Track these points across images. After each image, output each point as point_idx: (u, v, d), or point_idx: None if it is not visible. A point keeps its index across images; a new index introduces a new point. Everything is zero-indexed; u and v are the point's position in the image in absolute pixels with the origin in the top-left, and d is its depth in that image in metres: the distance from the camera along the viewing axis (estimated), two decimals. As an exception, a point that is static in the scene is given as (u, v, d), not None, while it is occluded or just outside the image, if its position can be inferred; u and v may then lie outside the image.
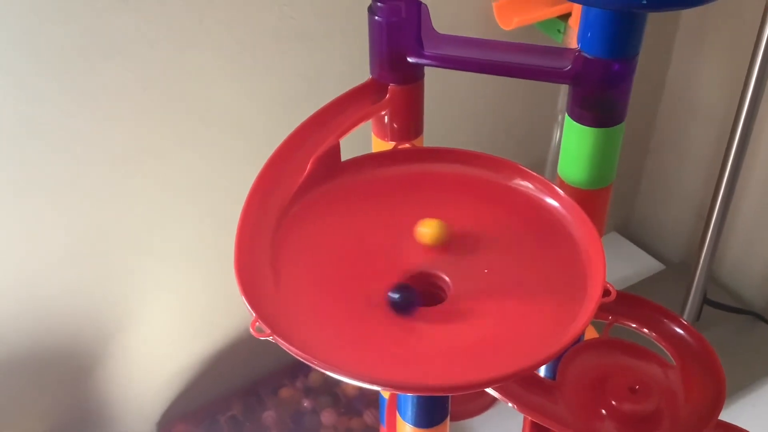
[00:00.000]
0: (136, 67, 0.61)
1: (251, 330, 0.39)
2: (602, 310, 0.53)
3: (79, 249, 0.68)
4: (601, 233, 0.50)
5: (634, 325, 0.52)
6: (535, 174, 0.46)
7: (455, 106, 0.79)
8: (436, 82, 0.69)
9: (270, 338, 0.38)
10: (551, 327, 0.39)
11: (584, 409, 0.47)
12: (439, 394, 0.44)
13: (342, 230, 0.45)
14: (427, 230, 0.43)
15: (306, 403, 0.84)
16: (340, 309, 0.42)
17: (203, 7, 0.61)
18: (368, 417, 0.83)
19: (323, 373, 0.89)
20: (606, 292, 0.40)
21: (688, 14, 0.95)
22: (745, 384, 0.90)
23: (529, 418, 0.45)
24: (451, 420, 0.87)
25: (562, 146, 0.47)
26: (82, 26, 0.57)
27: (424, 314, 0.41)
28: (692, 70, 0.97)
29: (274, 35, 0.65)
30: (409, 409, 0.49)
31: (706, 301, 0.95)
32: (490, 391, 0.45)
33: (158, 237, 0.71)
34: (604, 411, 0.47)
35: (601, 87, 0.43)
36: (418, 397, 0.48)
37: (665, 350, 0.51)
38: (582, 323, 0.38)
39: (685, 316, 0.95)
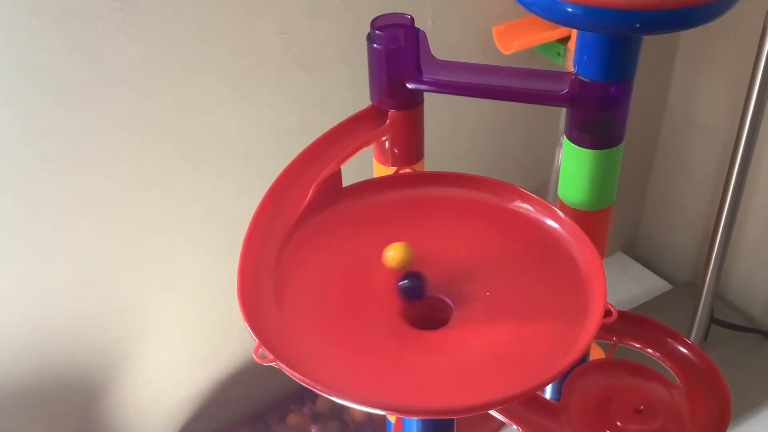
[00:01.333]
0: (141, 96, 0.62)
1: (255, 356, 0.39)
2: (606, 330, 0.53)
3: (86, 279, 0.68)
4: (602, 254, 0.50)
5: (638, 345, 0.52)
6: (535, 196, 0.46)
7: (459, 131, 0.80)
8: (439, 107, 0.70)
9: (273, 364, 0.39)
10: (554, 348, 0.39)
11: (589, 430, 0.46)
12: (442, 417, 0.44)
13: (344, 255, 0.46)
14: (392, 253, 0.43)
15: (314, 430, 0.84)
16: (344, 334, 0.42)
17: (207, 37, 0.62)
18: (376, 443, 0.83)
19: (330, 399, 0.89)
20: (607, 313, 0.40)
21: (687, 34, 0.95)
22: (755, 403, 0.89)
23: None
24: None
25: (561, 168, 0.47)
26: (88, 57, 0.58)
27: (427, 337, 0.42)
28: (693, 89, 0.97)
29: (277, 64, 0.66)
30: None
31: (713, 320, 0.94)
32: (494, 413, 0.45)
33: (164, 265, 0.72)
34: (610, 432, 0.47)
35: (598, 109, 0.44)
36: (424, 421, 0.48)
37: (670, 370, 0.51)
38: (584, 344, 0.38)
39: (692, 336, 0.95)
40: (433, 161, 0.55)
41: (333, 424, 0.84)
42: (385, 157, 0.51)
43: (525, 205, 0.47)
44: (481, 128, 0.82)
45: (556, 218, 0.45)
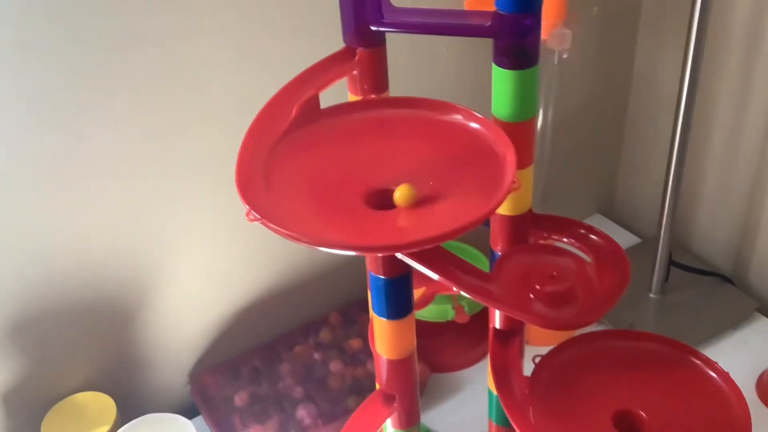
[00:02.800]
0: (165, 57, 0.76)
1: (246, 217, 0.52)
2: (536, 228, 0.66)
3: (122, 213, 0.82)
4: (529, 161, 0.62)
5: (557, 237, 0.65)
6: (466, 108, 0.59)
7: (421, 72, 0.93)
8: (407, 48, 0.83)
9: (259, 222, 0.51)
10: (480, 206, 0.52)
11: (516, 293, 0.59)
12: (392, 252, 0.56)
13: (322, 156, 0.59)
14: (399, 193, 0.54)
15: (317, 356, 0.97)
16: (317, 209, 0.55)
17: (219, 6, 0.76)
18: (370, 365, 0.95)
19: (333, 332, 1.02)
20: (514, 186, 0.53)
21: (648, 7, 1.07)
22: (710, 336, 1.00)
23: (473, 298, 0.58)
24: (447, 371, 0.99)
25: (492, 89, 0.60)
26: (119, 23, 0.72)
27: (384, 213, 0.54)
28: (656, 60, 1.09)
29: (275, 29, 0.80)
30: (382, 304, 0.62)
31: (674, 263, 1.06)
32: (436, 276, 0.57)
33: (185, 205, 0.85)
34: (532, 295, 0.59)
35: (515, 37, 0.56)
36: (387, 292, 0.61)
37: (584, 253, 0.63)
38: (499, 199, 0.51)
39: (654, 279, 1.06)
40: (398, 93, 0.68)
41: (333, 352, 0.97)
42: (356, 88, 0.64)
43: (459, 116, 0.60)
44: (437, 68, 0.95)
45: (482, 123, 0.58)
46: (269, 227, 0.51)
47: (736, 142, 1.03)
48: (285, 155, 0.58)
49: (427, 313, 0.95)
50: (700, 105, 0.93)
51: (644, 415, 0.67)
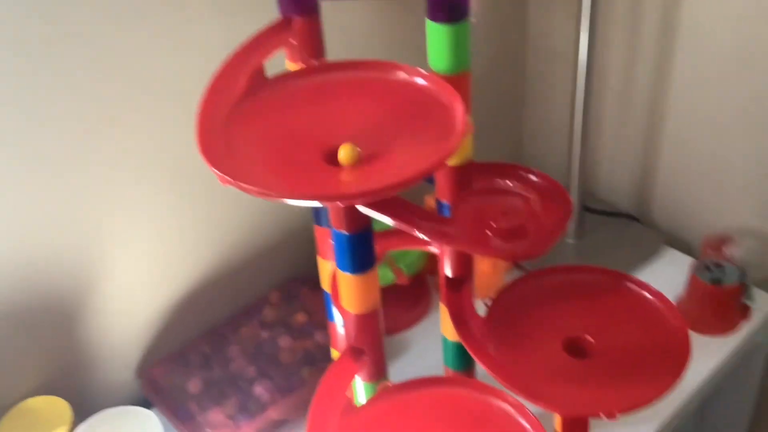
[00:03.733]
0: (92, 47, 0.75)
1: (220, 182, 0.53)
2: (481, 174, 0.70)
3: (56, 210, 0.80)
4: (468, 111, 0.66)
5: (501, 181, 0.69)
6: (407, 66, 0.62)
7: (355, 37, 0.97)
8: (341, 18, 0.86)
9: (232, 186, 0.53)
10: (436, 151, 0.55)
11: (473, 232, 0.63)
12: (352, 201, 0.58)
13: (277, 121, 0.60)
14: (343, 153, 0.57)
15: (264, 335, 0.98)
16: (281, 167, 0.57)
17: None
18: (319, 337, 0.97)
19: (276, 309, 1.03)
20: (468, 129, 0.56)
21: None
22: (628, 272, 1.07)
23: (434, 241, 0.61)
24: (393, 333, 1.02)
25: (428, 44, 0.63)
26: (44, 15, 0.71)
27: (342, 170, 0.57)
28: (548, 21, 1.16)
29: (207, 17, 0.81)
30: (347, 259, 0.64)
31: (586, 209, 1.13)
32: (397, 224, 0.60)
33: (125, 196, 0.85)
34: (489, 232, 0.63)
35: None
36: (351, 247, 0.63)
37: (526, 192, 0.68)
38: (456, 142, 0.54)
39: (570, 225, 1.13)
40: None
41: (280, 329, 0.98)
42: (295, 57, 0.66)
43: (402, 73, 0.63)
44: (372, 32, 0.98)
45: (425, 77, 0.62)
46: (242, 188, 0.53)
47: (630, 89, 1.11)
48: (241, 123, 0.60)
49: (367, 280, 0.98)
50: (594, 55, 1.00)
51: (591, 339, 0.73)
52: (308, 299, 1.02)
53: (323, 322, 0.99)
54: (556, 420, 0.74)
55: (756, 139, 1.01)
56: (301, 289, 1.04)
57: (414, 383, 0.70)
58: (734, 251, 1.00)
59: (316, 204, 0.54)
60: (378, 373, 0.72)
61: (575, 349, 0.73)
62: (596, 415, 0.66)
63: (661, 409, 0.90)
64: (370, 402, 0.69)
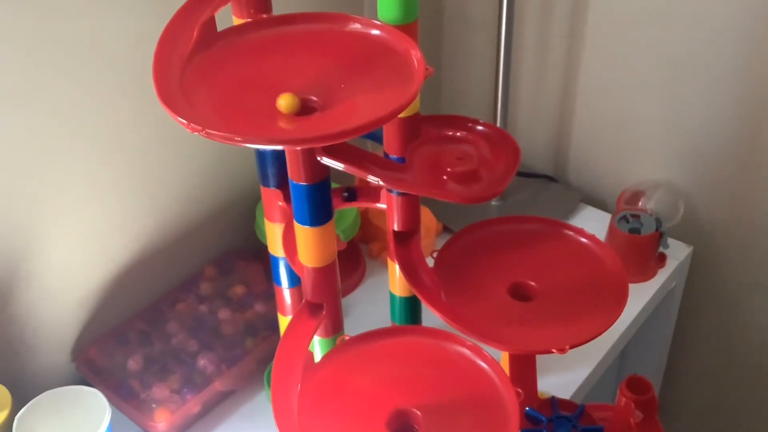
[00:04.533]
0: (24, 7, 0.72)
1: (187, 130, 0.53)
2: (432, 126, 0.72)
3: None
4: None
5: (450, 132, 0.71)
6: (357, 17, 0.63)
7: None
8: None
9: (202, 133, 0.52)
10: (396, 97, 0.56)
11: (430, 177, 0.64)
12: (316, 144, 0.58)
13: (230, 72, 0.60)
14: (283, 102, 0.57)
15: (203, 308, 0.96)
16: (242, 116, 0.57)
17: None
18: (259, 307, 0.97)
19: (213, 283, 1.02)
20: (428, 71, 0.58)
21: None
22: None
23: (394, 188, 0.62)
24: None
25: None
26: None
27: (302, 119, 0.57)
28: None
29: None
30: (306, 212, 0.65)
31: (508, 171, 1.17)
32: (349, 170, 0.61)
33: (55, 168, 0.81)
34: (445, 177, 0.65)
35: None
36: (311, 198, 0.64)
37: (476, 141, 0.70)
38: (416, 86, 0.56)
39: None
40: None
41: (218, 302, 0.97)
42: (242, 12, 0.66)
43: (355, 25, 0.64)
44: None
45: (378, 27, 0.63)
46: (211, 135, 0.52)
47: (543, 55, 1.16)
48: (196, 76, 0.59)
49: (305, 247, 0.98)
50: (512, 23, 1.04)
51: (534, 283, 0.76)
52: (245, 271, 1.01)
53: (262, 293, 0.99)
54: (503, 360, 0.77)
55: (663, 96, 1.07)
56: (237, 261, 1.03)
57: (372, 334, 0.71)
58: (649, 203, 1.07)
59: (279, 148, 0.54)
60: (336, 328, 0.73)
61: (520, 293, 0.76)
62: (548, 351, 0.69)
63: (592, 352, 0.96)
64: (330, 355, 0.70)
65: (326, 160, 0.62)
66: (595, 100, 1.14)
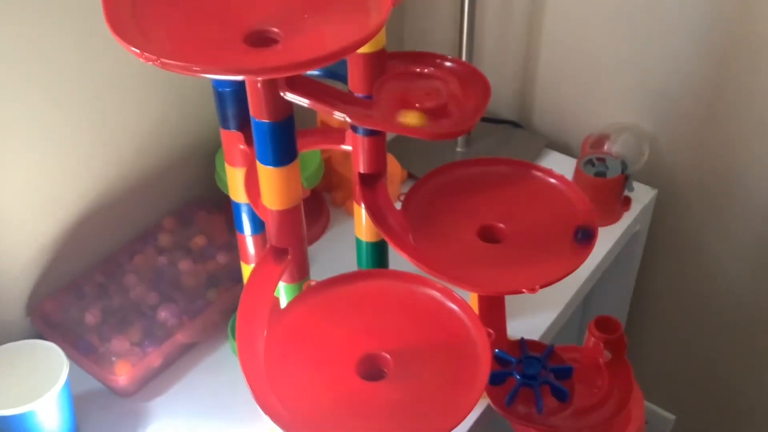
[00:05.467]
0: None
1: (141, 59, 0.50)
2: (400, 62, 0.69)
3: None
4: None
5: (418, 69, 0.69)
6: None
7: None
8: None
9: (157, 64, 0.49)
10: (360, 31, 0.54)
11: (398, 113, 0.62)
12: (278, 73, 0.56)
13: (188, 2, 0.57)
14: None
15: (162, 260, 0.93)
16: (199, 46, 0.53)
17: None
18: (221, 258, 0.94)
19: (172, 235, 0.99)
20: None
21: None
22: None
23: (360, 124, 0.60)
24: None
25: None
26: None
27: (260, 51, 0.54)
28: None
29: None
30: (269, 151, 0.62)
31: (473, 117, 1.15)
32: (314, 105, 0.59)
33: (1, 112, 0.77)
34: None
35: None
36: (274, 136, 0.61)
37: (444, 77, 0.68)
38: (385, 13, 0.53)
39: (460, 133, 1.15)
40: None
41: (179, 253, 0.94)
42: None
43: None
44: None
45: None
46: (166, 65, 0.49)
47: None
48: (151, 6, 0.55)
49: (267, 196, 0.96)
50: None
51: (503, 226, 0.75)
52: (206, 222, 0.99)
53: (224, 243, 0.96)
54: (472, 303, 0.76)
55: (627, 38, 1.06)
56: (197, 212, 1.00)
57: (339, 279, 0.69)
58: (614, 147, 1.06)
59: (238, 78, 0.51)
60: (302, 274, 0.71)
61: (489, 236, 0.75)
62: (519, 291, 0.68)
63: (558, 296, 0.95)
64: (296, 300, 0.68)
65: (290, 96, 0.59)
66: (560, 44, 1.12)
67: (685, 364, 1.29)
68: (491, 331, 0.64)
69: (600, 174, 1.02)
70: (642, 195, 1.09)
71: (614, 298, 1.20)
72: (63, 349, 0.84)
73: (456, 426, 0.58)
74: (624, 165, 1.03)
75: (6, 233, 0.83)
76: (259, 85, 0.58)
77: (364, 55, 0.67)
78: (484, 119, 1.19)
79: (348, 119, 0.60)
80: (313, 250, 1.00)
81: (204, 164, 1.01)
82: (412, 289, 0.69)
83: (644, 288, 1.24)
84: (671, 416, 1.36)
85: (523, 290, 0.68)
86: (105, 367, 0.82)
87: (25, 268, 0.86)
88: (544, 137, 1.18)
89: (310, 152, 1.00)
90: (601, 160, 1.04)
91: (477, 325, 0.65)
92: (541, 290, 0.94)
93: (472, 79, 0.67)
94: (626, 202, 1.06)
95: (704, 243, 1.15)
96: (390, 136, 1.16)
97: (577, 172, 1.04)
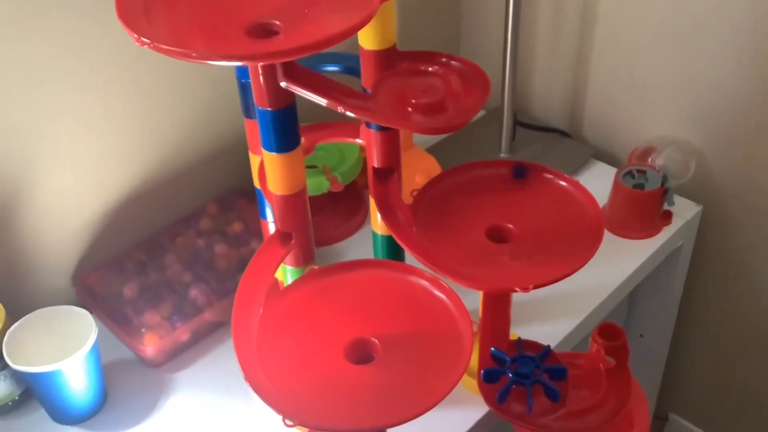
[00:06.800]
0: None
1: (137, 43, 0.54)
2: (403, 61, 0.72)
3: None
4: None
5: (423, 67, 0.71)
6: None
7: None
8: None
9: (148, 46, 0.54)
10: (357, 15, 0.57)
11: (394, 108, 0.64)
12: (273, 59, 0.59)
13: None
14: None
15: (200, 242, 0.99)
16: (202, 36, 0.58)
17: None
18: (255, 244, 0.99)
19: (213, 220, 1.04)
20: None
21: None
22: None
23: (355, 115, 0.63)
24: (329, 244, 1.04)
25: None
26: None
27: (266, 40, 0.58)
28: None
29: None
30: (272, 137, 0.66)
31: (519, 123, 1.16)
32: (314, 97, 0.62)
33: (56, 100, 0.84)
34: (409, 108, 0.65)
35: None
36: (275, 123, 0.65)
37: (448, 76, 0.70)
38: (372, 8, 0.56)
39: (503, 139, 1.16)
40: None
41: (216, 237, 1.00)
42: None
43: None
44: None
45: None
46: (161, 49, 0.54)
47: (560, 8, 1.14)
48: (159, 1, 0.60)
49: (302, 188, 1.00)
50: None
51: (512, 227, 0.76)
52: (245, 210, 1.04)
53: (259, 230, 1.00)
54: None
55: (678, 53, 1.04)
56: (238, 200, 1.05)
57: (340, 266, 0.72)
58: (657, 160, 1.04)
59: (234, 64, 0.55)
60: (305, 258, 0.74)
61: (497, 236, 0.76)
62: (512, 289, 0.69)
63: (581, 305, 0.95)
64: (296, 283, 0.71)
65: (287, 85, 0.62)
66: (611, 56, 1.11)
67: (732, 387, 1.25)
68: (475, 322, 0.65)
69: (638, 186, 1.01)
70: (685, 210, 1.07)
71: (657, 314, 1.18)
72: (101, 318, 0.90)
73: (425, 411, 0.60)
74: (665, 178, 1.01)
75: (57, 207, 0.90)
76: (260, 74, 0.62)
77: (374, 52, 0.69)
78: (532, 126, 1.19)
79: (343, 110, 0.63)
80: (349, 243, 1.05)
81: (248, 154, 1.06)
82: (404, 278, 0.71)
83: (690, 306, 1.21)
84: (717, 442, 1.31)
85: (516, 289, 0.69)
86: (135, 338, 0.88)
87: (72, 240, 0.93)
88: (590, 147, 1.17)
89: (349, 147, 1.03)
90: (642, 172, 1.02)
91: (463, 315, 0.66)
92: (566, 297, 0.94)
93: (474, 78, 0.69)
94: (666, 217, 1.04)
95: (751, 262, 1.11)
96: (432, 140, 1.19)
97: (615, 183, 1.03)
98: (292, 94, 0.64)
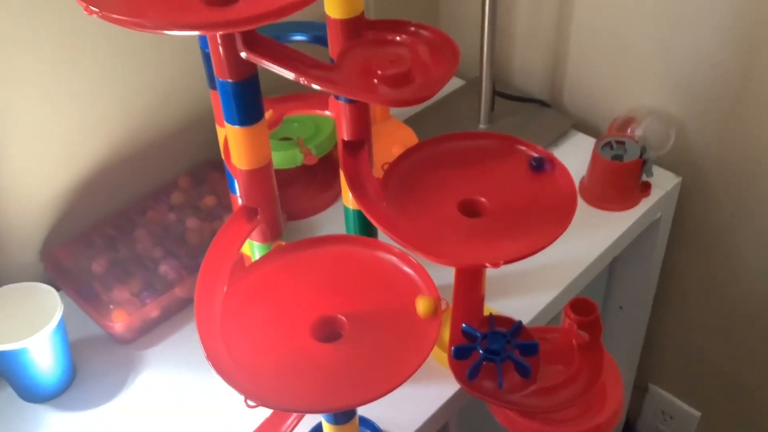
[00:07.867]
0: None
1: (85, 12, 0.52)
2: (371, 29, 0.69)
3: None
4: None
5: (390, 37, 0.69)
6: None
7: None
8: None
9: (97, 15, 0.51)
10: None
11: (360, 79, 0.62)
12: (221, 30, 0.57)
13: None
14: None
15: (171, 216, 0.97)
16: (157, 5, 0.55)
17: None
18: (227, 218, 0.97)
19: (185, 193, 1.01)
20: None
21: None
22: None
23: (318, 87, 0.61)
24: (302, 217, 1.02)
25: None
26: None
27: (225, 8, 0.56)
28: None
29: None
30: (234, 110, 0.63)
31: (498, 93, 1.14)
32: (277, 69, 0.60)
33: (18, 67, 0.82)
34: (375, 80, 0.63)
35: None
36: (237, 95, 0.63)
37: (417, 45, 0.68)
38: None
39: (482, 110, 1.14)
40: None
41: (187, 210, 0.98)
42: None
43: None
44: None
45: None
46: (111, 19, 0.51)
47: (541, -26, 1.11)
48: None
49: (276, 161, 0.98)
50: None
51: (484, 200, 0.74)
52: (218, 183, 1.02)
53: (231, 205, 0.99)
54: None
55: (658, 22, 1.02)
56: (211, 173, 1.03)
57: (307, 242, 0.70)
58: (637, 131, 1.03)
59: (192, 33, 0.53)
60: (273, 234, 0.73)
61: (469, 210, 0.74)
62: (482, 265, 0.68)
63: (558, 278, 0.93)
64: (262, 260, 0.69)
65: (247, 56, 0.60)
66: (592, 25, 1.09)
67: (710, 359, 1.25)
68: (447, 301, 0.64)
69: (617, 157, 1.00)
70: (664, 182, 1.05)
71: (636, 286, 1.17)
72: (70, 295, 0.89)
73: (393, 389, 0.59)
74: (643, 149, 1.00)
75: (22, 180, 0.88)
76: (219, 44, 0.60)
77: (341, 21, 0.67)
78: (512, 97, 1.17)
79: (305, 82, 0.61)
80: (323, 217, 1.03)
81: (221, 127, 1.04)
82: (372, 254, 0.70)
83: (669, 278, 1.20)
84: (697, 413, 1.31)
85: (486, 264, 0.67)
86: (104, 314, 0.86)
87: (39, 215, 0.91)
88: (570, 117, 1.16)
89: (324, 120, 1.01)
90: (621, 143, 1.01)
91: (432, 291, 0.65)
92: (544, 270, 0.93)
93: (443, 48, 0.67)
94: (645, 188, 1.03)
95: (729, 234, 1.10)
96: (410, 112, 1.16)
97: (593, 154, 1.01)
98: (254, 65, 0.62)
